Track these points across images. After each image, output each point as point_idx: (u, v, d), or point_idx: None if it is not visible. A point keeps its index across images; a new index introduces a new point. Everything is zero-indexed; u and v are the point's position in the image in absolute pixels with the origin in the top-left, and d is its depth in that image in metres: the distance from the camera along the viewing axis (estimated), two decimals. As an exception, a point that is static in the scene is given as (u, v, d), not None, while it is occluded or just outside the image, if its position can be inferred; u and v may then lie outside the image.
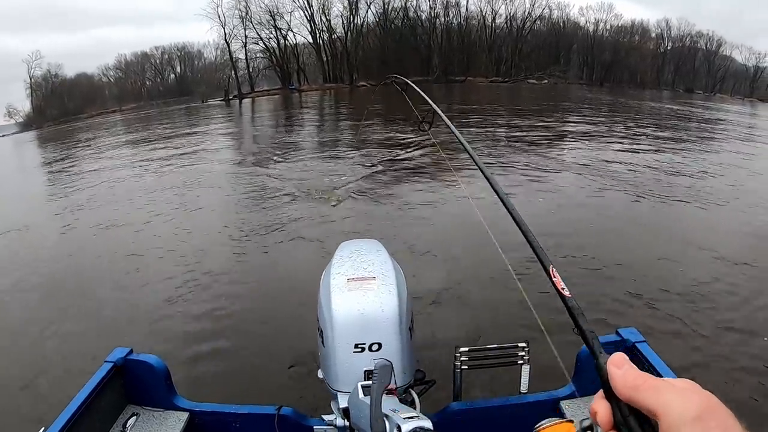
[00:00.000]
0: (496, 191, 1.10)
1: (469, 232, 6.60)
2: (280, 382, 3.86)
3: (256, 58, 54.15)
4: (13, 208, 12.26)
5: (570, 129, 18.73)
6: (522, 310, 4.70)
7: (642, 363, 1.89)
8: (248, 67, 53.69)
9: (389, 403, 1.34)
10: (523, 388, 2.06)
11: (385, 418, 1.28)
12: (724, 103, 40.75)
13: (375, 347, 1.64)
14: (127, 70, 60.25)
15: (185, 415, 2.02)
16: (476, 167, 1.33)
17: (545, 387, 2.11)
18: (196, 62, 60.11)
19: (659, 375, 1.63)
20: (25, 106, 55.19)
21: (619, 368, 0.46)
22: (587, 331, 0.58)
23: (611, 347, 1.88)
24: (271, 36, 52.95)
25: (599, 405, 0.47)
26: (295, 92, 50.43)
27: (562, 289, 0.66)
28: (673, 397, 0.40)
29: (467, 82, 48.97)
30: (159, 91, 59.32)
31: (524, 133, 17.39)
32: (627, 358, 0.47)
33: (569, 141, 16.03)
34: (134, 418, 2.01)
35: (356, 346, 1.63)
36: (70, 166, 17.55)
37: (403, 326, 1.68)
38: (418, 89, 2.69)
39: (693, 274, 5.72)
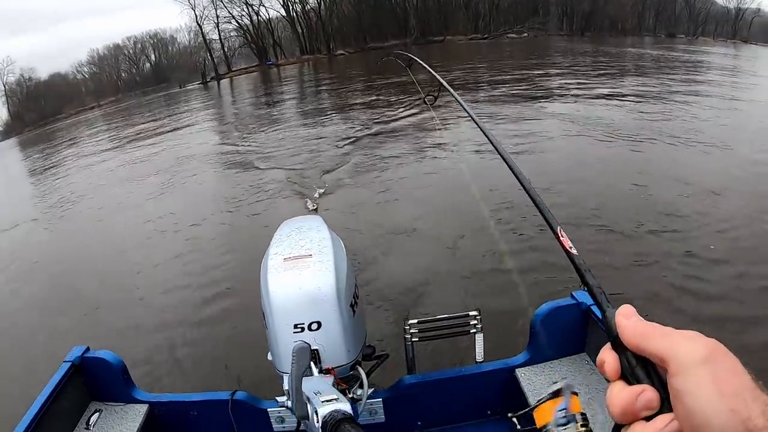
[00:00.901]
0: (503, 158, 1.04)
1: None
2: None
3: (230, 37, 53.17)
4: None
5: (553, 83, 18.35)
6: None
7: (596, 325, 1.91)
8: (223, 47, 52.67)
9: (317, 385, 1.32)
10: (479, 357, 2.04)
11: (307, 401, 1.27)
12: (707, 46, 40.40)
13: (314, 326, 1.62)
14: (101, 64, 59.03)
15: (145, 407, 2.05)
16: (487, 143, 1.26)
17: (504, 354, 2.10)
18: (170, 48, 58.86)
19: None
20: (1, 114, 54.21)
21: (628, 319, 0.47)
22: (594, 287, 0.61)
23: (567, 310, 1.98)
24: (243, 13, 52.01)
25: (607, 355, 0.48)
26: (273, 67, 49.64)
27: (570, 248, 0.67)
28: (681, 341, 0.41)
29: (446, 42, 48.25)
30: (136, 81, 58.23)
31: (506, 89, 17.01)
32: (635, 310, 0.48)
33: (551, 94, 15.73)
34: (97, 414, 2.04)
35: (295, 326, 1.61)
36: (54, 166, 17.46)
37: (343, 303, 1.65)
38: (424, 64, 2.63)
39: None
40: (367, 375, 1.77)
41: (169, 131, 18.93)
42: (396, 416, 2.05)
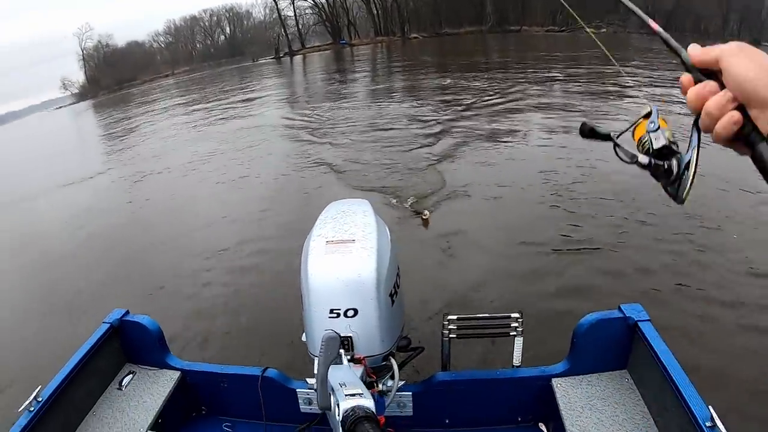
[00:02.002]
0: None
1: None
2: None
3: (305, 14, 53.84)
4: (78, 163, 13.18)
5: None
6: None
7: (642, 343, 1.78)
8: (297, 24, 53.41)
9: (344, 375, 1.27)
10: (516, 361, 1.97)
11: (331, 392, 1.23)
12: None
13: (351, 313, 1.58)
14: (176, 34, 61.15)
15: (177, 374, 2.09)
16: None
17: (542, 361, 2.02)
18: (245, 22, 60.40)
19: (658, 358, 1.66)
20: (79, 77, 56.80)
21: (696, 49, 0.62)
22: (677, 48, 0.64)
23: (612, 324, 1.88)
24: (320, -9, 52.40)
25: (684, 77, 0.63)
26: (346, 46, 50.02)
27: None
28: (722, 47, 0.59)
29: (522, 32, 47.23)
30: (210, 53, 60.07)
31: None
32: (698, 45, 0.62)
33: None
34: (130, 376, 2.09)
35: (331, 311, 1.58)
36: (129, 129, 18.24)
37: (382, 292, 1.61)
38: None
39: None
40: (401, 366, 1.74)
41: (240, 101, 19.36)
42: (424, 411, 2.02)
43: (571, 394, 1.86)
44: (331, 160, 9.15)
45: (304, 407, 2.05)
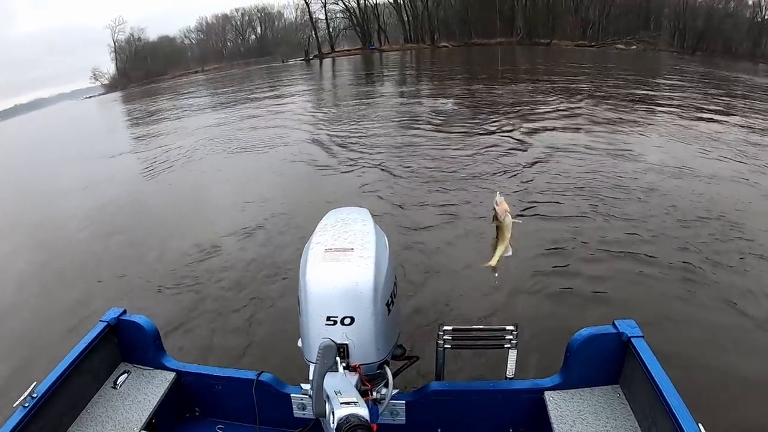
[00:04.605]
0: None
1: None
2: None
3: (335, 17, 54.57)
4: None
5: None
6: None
7: (635, 358, 1.81)
8: (328, 26, 54.21)
9: (339, 383, 1.32)
10: (509, 373, 1.98)
11: (327, 399, 1.26)
12: None
13: (347, 321, 1.60)
14: (208, 31, 62.19)
15: (172, 375, 2.10)
16: None
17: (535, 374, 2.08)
18: (276, 23, 61.26)
19: (650, 374, 1.69)
20: (109, 69, 58.14)
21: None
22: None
23: (606, 339, 1.89)
24: (352, -5, 52.94)
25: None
26: (375, 51, 50.58)
27: None
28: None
29: (552, 45, 47.24)
30: (240, 51, 60.97)
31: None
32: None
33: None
34: (125, 375, 2.09)
35: (328, 318, 1.60)
36: (157, 121, 18.56)
37: (379, 301, 1.63)
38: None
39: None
40: (395, 375, 1.77)
41: (270, 100, 19.48)
42: (417, 420, 2.03)
43: (563, 408, 1.88)
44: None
45: (297, 412, 2.06)
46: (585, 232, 5.63)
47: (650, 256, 4.99)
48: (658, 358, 1.76)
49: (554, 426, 1.81)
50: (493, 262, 1.73)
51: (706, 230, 5.55)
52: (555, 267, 4.90)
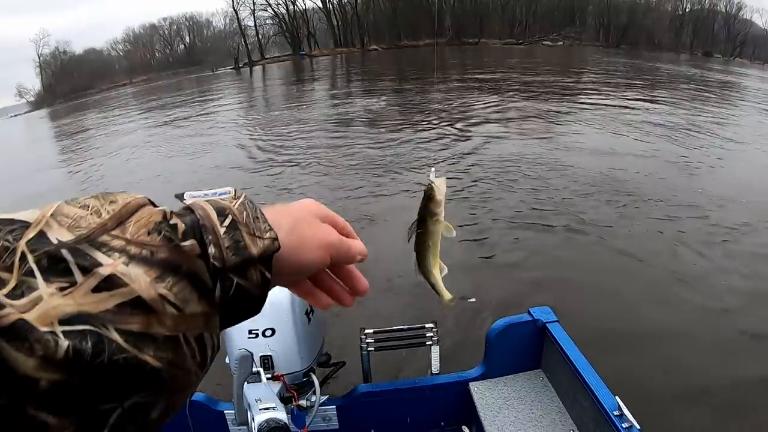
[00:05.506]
0: None
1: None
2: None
3: (265, 24, 53.82)
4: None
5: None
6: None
7: (552, 343, 1.91)
8: (257, 34, 53.42)
9: (261, 392, 1.37)
10: (434, 369, 2.05)
11: (248, 408, 1.31)
12: (743, 68, 39.35)
13: (268, 333, 1.66)
14: (135, 42, 60.05)
15: None
16: None
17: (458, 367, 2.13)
18: (205, 31, 59.73)
19: (567, 356, 1.80)
20: (35, 85, 55.51)
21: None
22: None
23: (523, 327, 1.98)
24: (280, 1, 52.45)
25: None
26: (306, 57, 50.04)
27: None
28: None
29: (480, 45, 48.03)
30: (169, 62, 59.13)
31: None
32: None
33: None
34: None
35: (250, 332, 1.65)
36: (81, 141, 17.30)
37: (297, 310, 1.68)
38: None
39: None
40: (323, 382, 1.81)
41: (197, 114, 18.94)
42: (350, 424, 2.07)
43: (488, 397, 1.94)
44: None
45: (233, 428, 2.05)
46: (500, 210, 6.07)
47: (549, 226, 5.59)
48: (573, 340, 1.83)
49: (481, 415, 1.86)
50: (447, 295, 0.85)
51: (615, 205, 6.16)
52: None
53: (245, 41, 53.04)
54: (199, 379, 0.32)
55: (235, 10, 52.00)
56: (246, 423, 1.29)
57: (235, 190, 0.38)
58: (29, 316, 0.25)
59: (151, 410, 0.29)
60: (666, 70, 27.68)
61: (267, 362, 1.67)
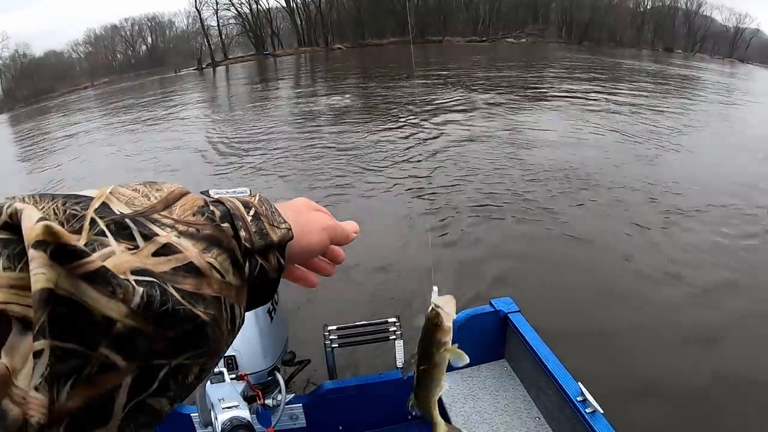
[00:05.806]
0: None
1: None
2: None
3: (228, 24, 52.84)
4: None
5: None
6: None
7: (514, 333, 1.96)
8: (221, 34, 52.34)
9: (224, 391, 1.38)
10: (399, 363, 2.05)
11: (211, 408, 1.32)
12: (703, 62, 40.73)
13: None
14: (96, 44, 58.44)
15: None
16: None
17: None
18: (167, 32, 58.37)
19: (530, 345, 1.85)
20: (-6, 89, 53.53)
21: None
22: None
23: (486, 318, 2.02)
24: (243, 1, 51.65)
25: None
26: (270, 57, 49.49)
27: None
28: None
29: (444, 43, 48.30)
30: (131, 63, 57.64)
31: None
32: None
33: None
34: None
35: None
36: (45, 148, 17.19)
37: (259, 309, 1.62)
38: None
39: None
40: (288, 380, 1.83)
41: (161, 115, 18.72)
42: (317, 421, 2.08)
43: (453, 389, 1.97)
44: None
45: (200, 431, 2.00)
46: (459, 202, 6.20)
47: (508, 217, 5.79)
48: (536, 329, 1.87)
49: (447, 407, 1.87)
50: (443, 427, 0.77)
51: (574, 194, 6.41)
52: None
53: (208, 41, 51.98)
54: (228, 346, 0.37)
55: (197, 10, 50.93)
56: (210, 423, 1.29)
57: (250, 190, 0.44)
58: (109, 264, 0.28)
59: (189, 373, 0.33)
60: (627, 65, 28.47)
61: (230, 362, 1.64)
